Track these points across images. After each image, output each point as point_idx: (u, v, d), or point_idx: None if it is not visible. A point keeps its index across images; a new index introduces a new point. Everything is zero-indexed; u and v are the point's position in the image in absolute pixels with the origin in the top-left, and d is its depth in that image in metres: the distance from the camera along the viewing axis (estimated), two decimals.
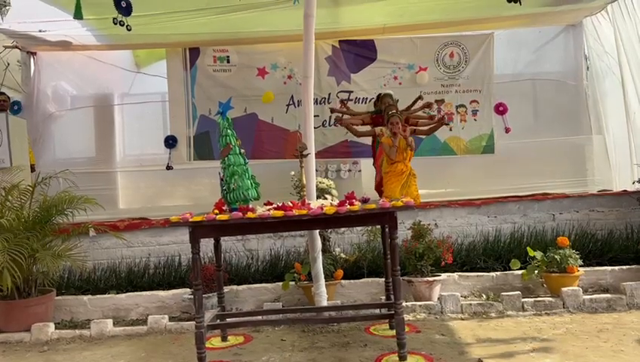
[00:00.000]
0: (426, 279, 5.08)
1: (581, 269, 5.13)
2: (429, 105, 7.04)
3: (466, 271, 5.51)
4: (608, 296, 4.89)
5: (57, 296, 5.42)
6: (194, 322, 3.78)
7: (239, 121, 7.27)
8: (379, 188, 6.56)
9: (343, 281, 5.33)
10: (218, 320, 4.34)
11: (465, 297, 5.20)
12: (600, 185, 7.30)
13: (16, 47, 7.35)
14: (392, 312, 3.84)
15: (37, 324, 4.96)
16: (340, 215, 3.64)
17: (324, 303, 4.69)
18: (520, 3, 5.71)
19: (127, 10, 5.53)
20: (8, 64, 7.25)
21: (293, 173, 5.45)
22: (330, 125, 7.60)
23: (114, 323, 5.06)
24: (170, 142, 7.71)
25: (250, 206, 3.88)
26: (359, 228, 5.84)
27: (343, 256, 5.57)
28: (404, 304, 4.33)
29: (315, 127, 5.22)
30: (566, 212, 6.22)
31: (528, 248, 5.32)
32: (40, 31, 6.77)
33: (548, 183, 7.15)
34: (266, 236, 5.95)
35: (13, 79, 7.45)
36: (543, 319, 4.64)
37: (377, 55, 7.63)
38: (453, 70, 7.61)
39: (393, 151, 6.06)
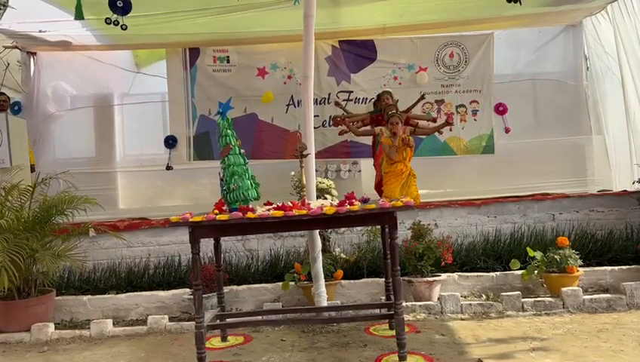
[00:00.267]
0: (425, 279, 5.08)
1: (581, 269, 5.13)
2: (434, 120, 7.05)
3: (466, 271, 5.50)
4: (608, 296, 4.89)
5: (57, 296, 5.42)
6: (194, 322, 3.78)
7: (239, 121, 7.27)
8: (378, 187, 6.57)
9: (342, 281, 5.33)
10: (218, 321, 4.34)
11: (465, 297, 5.20)
12: (600, 185, 7.31)
13: (16, 47, 7.36)
14: (392, 312, 3.84)
15: (37, 324, 4.96)
16: (340, 215, 3.64)
17: (324, 303, 4.68)
18: (520, 3, 5.72)
19: (123, 10, 5.52)
20: (8, 64, 7.25)
21: (293, 173, 5.46)
22: (330, 125, 7.61)
23: (114, 324, 5.06)
24: (170, 142, 7.72)
25: (250, 206, 3.88)
26: (359, 228, 5.83)
27: (342, 256, 5.57)
28: (404, 304, 4.33)
29: (315, 127, 5.22)
30: (566, 212, 6.22)
31: (528, 248, 5.32)
32: (40, 31, 6.77)
33: (548, 183, 7.16)
34: (266, 236, 5.95)
35: (13, 79, 7.45)
36: (543, 319, 4.64)
37: (377, 55, 7.63)
38: (453, 70, 7.61)
39: (393, 151, 6.06)
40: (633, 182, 6.51)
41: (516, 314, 4.78)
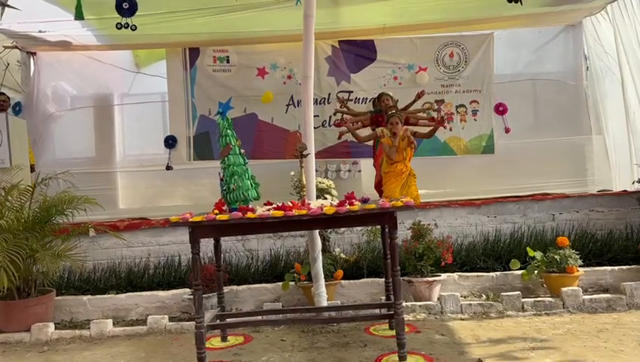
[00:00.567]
0: (425, 279, 5.08)
1: (581, 269, 5.13)
2: (429, 108, 7.02)
3: (466, 271, 5.50)
4: (608, 296, 4.89)
5: (57, 296, 5.42)
6: (194, 322, 3.78)
7: (239, 121, 7.28)
8: (378, 187, 6.57)
9: (342, 281, 5.33)
10: (218, 321, 4.34)
11: (465, 297, 5.20)
12: (600, 185, 7.31)
13: (16, 47, 7.35)
14: (392, 312, 3.84)
15: (37, 324, 4.96)
16: (340, 215, 3.64)
17: (324, 303, 4.69)
18: (521, 3, 5.72)
19: (130, 11, 5.52)
20: (8, 64, 7.25)
21: (293, 173, 5.46)
22: (330, 125, 7.61)
23: (114, 324, 5.06)
24: (170, 142, 7.71)
25: (250, 206, 3.88)
26: (359, 228, 5.83)
27: (342, 256, 5.57)
28: (404, 304, 4.32)
29: (314, 127, 5.22)
30: (566, 212, 6.22)
31: (528, 248, 5.32)
32: (40, 31, 6.77)
33: (548, 183, 7.16)
34: (265, 236, 5.95)
35: (13, 79, 7.45)
36: (543, 319, 4.64)
37: (377, 55, 7.63)
38: (453, 70, 7.61)
39: (393, 151, 6.05)
40: (633, 182, 6.51)
41: (516, 314, 4.78)
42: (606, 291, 5.16)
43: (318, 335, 4.51)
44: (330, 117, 7.58)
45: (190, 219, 3.68)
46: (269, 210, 3.80)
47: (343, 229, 5.90)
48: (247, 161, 4.11)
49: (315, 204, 4.07)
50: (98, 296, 5.48)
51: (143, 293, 5.48)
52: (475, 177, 7.46)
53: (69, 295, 5.54)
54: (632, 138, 6.81)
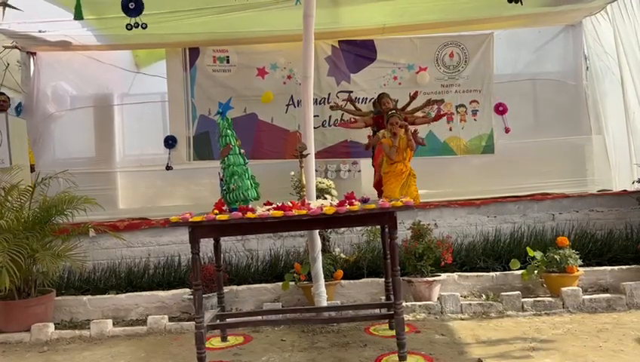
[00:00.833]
0: (425, 279, 5.08)
1: (581, 269, 5.13)
2: (429, 103, 7.00)
3: (466, 271, 5.50)
4: (608, 295, 4.89)
5: (57, 296, 5.42)
6: (194, 322, 3.78)
7: (239, 121, 7.28)
8: (377, 186, 6.57)
9: (342, 281, 5.33)
10: (218, 321, 4.34)
11: (465, 297, 5.20)
12: (600, 185, 7.31)
13: (16, 47, 7.35)
14: (392, 312, 3.84)
15: (37, 324, 4.96)
16: (340, 215, 3.64)
17: (324, 303, 4.68)
18: (521, 3, 5.72)
19: (136, 11, 5.52)
20: (8, 64, 7.25)
21: (293, 173, 5.45)
22: (330, 125, 7.61)
23: (114, 324, 5.06)
24: (170, 142, 7.71)
25: (250, 206, 3.88)
26: (359, 228, 5.83)
27: (342, 256, 5.57)
28: (403, 304, 4.32)
29: (314, 127, 5.22)
30: (566, 212, 6.22)
31: (528, 248, 5.32)
32: (40, 31, 6.77)
33: (547, 183, 7.16)
34: (265, 236, 5.95)
35: (13, 79, 7.45)
36: (543, 319, 4.65)
37: (377, 55, 7.63)
38: (453, 70, 7.62)
39: (393, 152, 6.05)
40: (633, 182, 6.51)
41: (516, 314, 4.78)
42: (606, 291, 5.16)
43: (318, 335, 4.51)
44: (330, 117, 7.58)
45: (190, 219, 3.68)
46: (268, 210, 3.80)
47: (342, 229, 5.90)
48: (247, 161, 4.11)
49: (315, 203, 4.08)
50: (98, 296, 5.48)
51: (143, 293, 5.48)
52: (474, 177, 7.46)
53: (69, 295, 5.54)
54: (631, 138, 6.82)
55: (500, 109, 7.69)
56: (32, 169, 6.70)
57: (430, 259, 5.13)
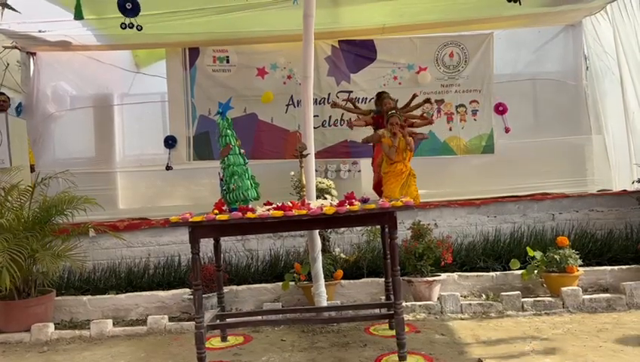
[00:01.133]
0: (425, 279, 5.08)
1: (581, 269, 5.13)
2: (428, 101, 6.99)
3: (466, 271, 5.51)
4: (608, 295, 4.90)
5: (57, 296, 5.42)
6: (194, 322, 3.78)
7: (239, 121, 7.27)
8: (377, 187, 6.57)
9: (342, 281, 5.33)
10: (218, 321, 4.34)
11: (465, 297, 5.21)
12: (599, 184, 7.30)
13: (16, 47, 7.34)
14: (392, 312, 3.85)
15: (37, 324, 4.96)
16: (340, 215, 3.65)
17: (324, 303, 4.69)
18: (520, 3, 5.71)
19: (133, 12, 5.51)
20: (8, 64, 7.25)
21: (293, 173, 5.46)
22: (330, 125, 7.61)
23: (114, 324, 5.06)
24: (170, 142, 7.71)
25: (250, 206, 3.89)
26: (359, 228, 5.84)
27: (342, 256, 5.57)
28: (403, 304, 4.33)
29: (314, 127, 5.21)
30: (565, 212, 6.23)
31: (528, 248, 5.32)
32: (40, 31, 6.76)
33: (547, 183, 7.15)
34: (265, 236, 5.95)
35: (13, 79, 7.45)
36: (543, 319, 4.65)
37: (377, 55, 7.62)
38: (452, 70, 7.61)
39: (393, 152, 6.06)
40: (633, 182, 6.51)
41: (516, 313, 4.78)
42: (606, 291, 5.17)
43: (318, 335, 4.51)
44: (330, 116, 7.57)
45: (190, 219, 3.68)
46: (268, 210, 3.80)
47: (342, 229, 5.90)
48: (247, 161, 4.11)
49: (314, 204, 4.08)
50: (98, 296, 5.48)
51: (143, 293, 5.48)
52: (474, 177, 7.46)
53: (69, 295, 5.55)
54: (631, 138, 6.81)
55: (500, 109, 7.68)
56: (32, 169, 6.69)
57: (430, 259, 5.13)
